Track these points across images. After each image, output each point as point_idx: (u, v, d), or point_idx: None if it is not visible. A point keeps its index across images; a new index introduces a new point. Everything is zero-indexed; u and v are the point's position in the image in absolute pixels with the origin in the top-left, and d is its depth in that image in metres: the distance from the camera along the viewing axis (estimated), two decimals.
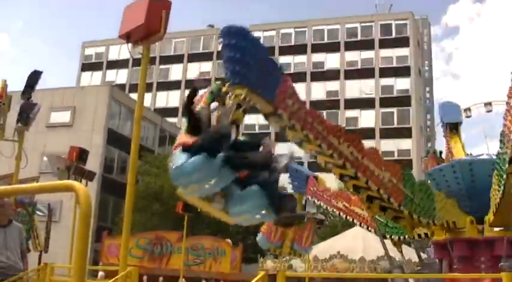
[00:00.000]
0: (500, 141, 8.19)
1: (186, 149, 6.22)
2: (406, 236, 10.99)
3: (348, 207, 13.46)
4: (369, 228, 12.64)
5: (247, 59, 6.89)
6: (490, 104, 53.46)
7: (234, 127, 6.57)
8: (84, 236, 2.53)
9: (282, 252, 14.89)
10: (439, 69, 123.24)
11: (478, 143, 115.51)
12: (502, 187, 8.36)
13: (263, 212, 6.24)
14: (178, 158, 6.33)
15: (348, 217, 13.19)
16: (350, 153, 8.65)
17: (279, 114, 7.55)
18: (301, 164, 37.61)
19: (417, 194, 9.66)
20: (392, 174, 9.26)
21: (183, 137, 6.57)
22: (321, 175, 14.41)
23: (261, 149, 6.40)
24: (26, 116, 12.28)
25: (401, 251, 12.53)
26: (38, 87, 13.44)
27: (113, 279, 6.87)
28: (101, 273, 18.34)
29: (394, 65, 61.96)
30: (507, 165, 7.85)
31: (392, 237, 12.03)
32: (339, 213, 13.74)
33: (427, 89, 72.49)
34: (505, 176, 8.07)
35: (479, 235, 10.18)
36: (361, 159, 8.82)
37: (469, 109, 56.06)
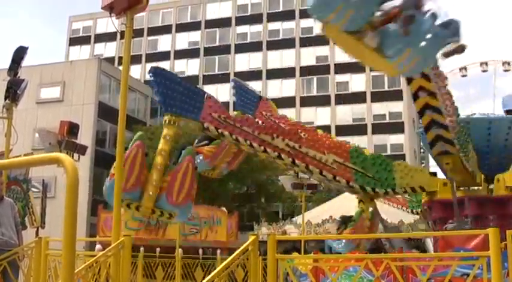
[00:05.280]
0: None
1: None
2: (389, 189, 10.63)
3: (297, 148, 12.00)
4: (336, 178, 10.45)
5: (171, 92, 9.21)
6: (486, 63, 53.49)
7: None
8: (73, 206, 2.56)
9: (213, 174, 11.98)
10: None
11: (476, 101, 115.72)
12: None
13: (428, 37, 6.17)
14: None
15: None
16: (285, 145, 9.84)
17: (206, 128, 9.55)
18: None
19: (370, 167, 10.14)
20: (337, 155, 10.04)
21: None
22: None
23: None
24: (13, 92, 12.24)
25: (375, 207, 11.55)
26: (26, 63, 13.37)
27: (107, 249, 6.94)
28: (98, 246, 18.45)
29: None
30: None
31: (376, 190, 10.60)
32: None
33: None
34: None
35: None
36: (299, 148, 9.89)
37: (465, 68, 56.11)
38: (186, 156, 9.22)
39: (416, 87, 9.12)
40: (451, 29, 6.87)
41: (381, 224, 11.57)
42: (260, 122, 11.99)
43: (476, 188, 11.45)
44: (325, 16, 6.81)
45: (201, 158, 11.43)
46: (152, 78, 9.41)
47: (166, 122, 9.37)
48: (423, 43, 6.75)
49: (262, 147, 9.79)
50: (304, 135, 10.68)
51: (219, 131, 9.60)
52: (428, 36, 6.71)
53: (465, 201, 10.88)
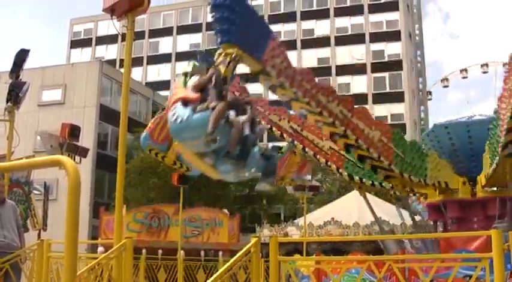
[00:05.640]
0: (495, 112, 8.28)
1: (187, 103, 6.89)
2: (376, 182, 10.64)
3: (298, 131, 11.86)
4: (328, 163, 10.67)
5: (236, 19, 7.07)
6: (486, 65, 53.45)
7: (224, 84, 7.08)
8: (74, 209, 2.56)
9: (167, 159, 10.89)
10: (435, 29, 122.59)
11: (476, 103, 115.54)
12: (497, 157, 8.50)
13: (252, 170, 7.06)
14: (182, 113, 6.88)
15: (296, 142, 11.21)
16: (340, 112, 8.77)
17: (267, 72, 7.77)
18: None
19: (408, 153, 9.74)
20: (382, 134, 9.34)
21: (181, 91, 7.17)
22: None
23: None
24: (15, 94, 12.24)
25: (365, 196, 11.68)
26: (28, 66, 13.37)
27: (109, 251, 6.93)
28: (100, 248, 18.45)
29: (384, 29, 61.69)
30: (503, 138, 7.95)
31: (363, 180, 10.66)
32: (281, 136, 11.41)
33: (418, 52, 72.24)
34: (499, 149, 8.23)
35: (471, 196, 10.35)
36: (351, 117, 8.94)
37: (465, 70, 56.08)
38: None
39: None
40: (271, 166, 7.27)
41: (378, 227, 11.60)
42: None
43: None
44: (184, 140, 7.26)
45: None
46: (213, 0, 7.37)
47: (221, 56, 7.17)
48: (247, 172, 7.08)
49: (319, 109, 8.68)
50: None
51: (280, 79, 8.05)
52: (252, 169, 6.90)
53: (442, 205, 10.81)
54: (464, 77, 53.61)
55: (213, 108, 6.72)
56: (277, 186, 12.25)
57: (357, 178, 10.37)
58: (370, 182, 10.46)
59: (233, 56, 7.04)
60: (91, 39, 70.10)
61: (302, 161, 12.90)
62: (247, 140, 7.13)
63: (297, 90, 8.26)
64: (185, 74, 7.64)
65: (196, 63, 7.57)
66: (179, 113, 7.03)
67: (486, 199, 10.65)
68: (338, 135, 9.13)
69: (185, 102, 7.01)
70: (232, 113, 7.03)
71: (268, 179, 8.09)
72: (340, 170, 10.45)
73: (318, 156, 10.53)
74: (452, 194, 10.84)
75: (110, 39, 64.63)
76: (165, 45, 67.75)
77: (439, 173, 10.01)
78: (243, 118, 7.23)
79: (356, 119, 9.03)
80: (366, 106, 56.88)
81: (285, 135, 10.54)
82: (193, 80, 7.32)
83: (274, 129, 10.50)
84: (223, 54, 7.02)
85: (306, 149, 10.48)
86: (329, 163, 10.57)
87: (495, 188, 10.69)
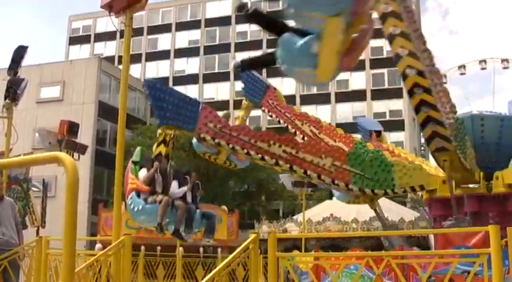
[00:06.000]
0: None
1: (139, 194, 9.95)
2: (389, 190, 10.57)
3: (317, 133, 12.56)
4: (335, 182, 10.19)
5: (165, 104, 9.29)
6: (484, 61, 53.41)
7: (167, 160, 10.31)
8: (73, 205, 2.56)
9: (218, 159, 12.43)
10: (435, 25, 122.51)
11: (475, 99, 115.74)
12: None
13: (196, 230, 10.67)
14: (137, 203, 9.85)
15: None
16: (282, 152, 9.72)
17: (203, 138, 9.58)
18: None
19: (368, 169, 10.02)
20: (335, 159, 9.90)
21: (135, 181, 10.14)
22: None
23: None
24: (13, 91, 12.24)
25: (375, 209, 11.45)
26: (26, 63, 13.36)
27: (107, 248, 6.94)
28: (98, 245, 18.45)
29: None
30: None
31: (375, 191, 10.37)
32: (303, 137, 12.16)
33: None
34: None
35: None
36: (296, 153, 9.78)
37: (463, 66, 56.05)
38: None
39: (411, 84, 9.13)
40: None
41: (380, 223, 11.57)
42: (266, 110, 12.61)
43: (473, 185, 11.43)
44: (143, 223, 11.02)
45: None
46: (146, 92, 9.57)
47: (162, 134, 10.11)
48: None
49: (259, 155, 9.70)
50: (303, 138, 11.73)
51: (216, 140, 9.59)
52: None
53: (464, 199, 10.87)
54: (462, 74, 53.51)
55: (160, 202, 9.64)
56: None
57: (368, 190, 10.01)
58: (383, 191, 10.27)
59: (171, 135, 10.11)
60: (89, 36, 69.97)
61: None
62: (190, 211, 10.02)
63: (235, 145, 9.62)
64: (134, 163, 10.62)
65: (142, 152, 10.89)
66: (135, 202, 9.91)
67: (504, 195, 10.83)
68: (286, 171, 10.33)
69: (138, 193, 9.95)
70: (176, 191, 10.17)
71: (210, 235, 10.87)
72: (350, 186, 9.99)
73: (322, 177, 9.95)
74: (469, 188, 11.10)
75: (108, 36, 64.54)
76: (164, 41, 67.65)
77: (411, 178, 10.05)
78: (184, 188, 10.25)
79: (302, 153, 9.79)
80: (364, 103, 57.08)
81: (280, 162, 9.82)
82: (143, 173, 10.22)
83: (266, 158, 9.77)
84: (163, 134, 10.05)
85: (308, 172, 9.91)
86: (336, 181, 10.01)
87: None
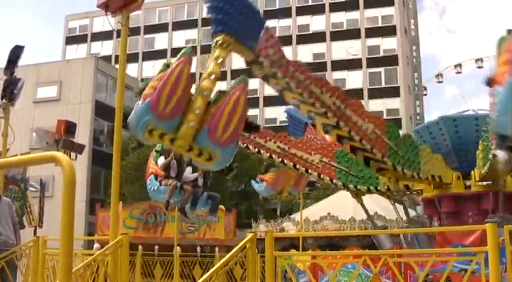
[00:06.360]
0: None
1: (156, 177, 12.66)
2: (372, 187, 10.66)
3: (286, 149, 13.42)
4: (321, 176, 10.95)
5: (229, 8, 7.24)
6: (481, 60, 53.46)
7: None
8: (70, 205, 2.55)
9: (281, 196, 15.74)
10: (432, 23, 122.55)
11: (471, 98, 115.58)
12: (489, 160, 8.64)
13: (202, 209, 13.54)
14: (154, 184, 12.58)
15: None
16: (332, 103, 8.73)
17: (260, 62, 7.78)
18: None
19: (401, 146, 9.67)
20: (376, 126, 9.27)
21: (154, 167, 12.98)
22: None
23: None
24: (10, 91, 12.21)
25: (362, 203, 11.73)
26: (23, 62, 13.33)
27: (105, 247, 6.94)
28: (96, 245, 18.44)
29: (380, 25, 61.72)
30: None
31: (358, 187, 10.80)
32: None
33: (414, 47, 72.33)
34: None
35: (466, 190, 10.35)
36: (344, 109, 8.89)
37: (459, 65, 56.08)
38: (239, 85, 7.34)
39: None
40: None
41: (371, 223, 11.71)
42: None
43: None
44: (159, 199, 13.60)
45: (264, 184, 15.58)
46: None
47: (219, 42, 7.35)
48: None
49: (311, 100, 8.62)
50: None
51: (273, 69, 8.03)
52: None
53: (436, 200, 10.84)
54: (458, 72, 53.60)
55: (169, 185, 12.28)
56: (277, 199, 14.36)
57: (351, 186, 10.53)
58: (366, 187, 10.46)
59: (225, 45, 7.23)
60: (86, 35, 69.96)
61: (298, 174, 13.78)
62: (196, 193, 12.51)
63: (290, 81, 8.25)
64: (156, 151, 13.40)
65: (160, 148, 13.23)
66: (152, 184, 12.61)
67: (480, 194, 10.70)
68: (331, 126, 9.06)
69: (156, 176, 12.55)
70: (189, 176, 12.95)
71: (214, 213, 14.44)
72: (334, 181, 10.74)
73: (309, 171, 10.84)
74: (447, 189, 10.88)
75: (105, 36, 64.53)
76: (161, 41, 67.68)
77: (433, 167, 9.97)
78: (196, 174, 12.94)
79: (349, 111, 8.99)
80: (362, 101, 56.92)
81: (273, 156, 10.84)
82: (161, 160, 12.95)
83: (262, 151, 10.80)
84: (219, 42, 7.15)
85: (297, 166, 10.83)
86: (322, 176, 10.75)
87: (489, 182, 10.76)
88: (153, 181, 12.59)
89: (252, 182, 16.98)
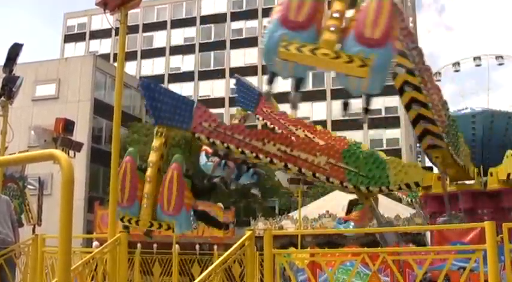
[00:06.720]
0: None
1: (207, 154, 12.48)
2: (384, 187, 10.60)
3: (311, 138, 12.63)
4: (330, 179, 10.25)
5: (160, 104, 9.63)
6: (479, 58, 53.36)
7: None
8: (68, 203, 2.56)
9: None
10: (431, 21, 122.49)
11: (470, 96, 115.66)
12: None
13: (245, 182, 13.43)
14: (203, 160, 12.72)
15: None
16: (277, 150, 9.75)
17: (197, 137, 9.80)
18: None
19: (363, 166, 9.98)
20: (329, 157, 9.91)
21: (205, 146, 12.34)
22: None
23: None
24: (8, 89, 12.20)
25: (372, 206, 11.58)
26: (21, 60, 13.33)
27: (103, 245, 6.94)
28: (95, 243, 18.45)
29: None
30: None
31: (370, 188, 10.34)
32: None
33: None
34: None
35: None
36: (291, 152, 9.79)
37: (457, 63, 56.03)
38: (172, 164, 10.02)
39: (401, 82, 9.11)
40: None
41: (376, 220, 11.55)
42: (261, 118, 12.89)
43: (468, 182, 11.46)
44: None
45: (352, 224, 14.66)
46: (141, 92, 10.36)
47: (158, 133, 9.92)
48: None
49: (254, 154, 9.75)
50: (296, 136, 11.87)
51: (210, 140, 9.77)
52: None
53: (458, 195, 10.89)
54: (456, 70, 53.50)
55: (213, 162, 12.28)
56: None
57: (363, 188, 9.99)
58: (378, 188, 10.28)
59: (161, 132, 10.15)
60: (85, 33, 69.86)
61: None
62: (241, 168, 12.48)
63: (229, 144, 9.73)
64: None
65: None
66: (202, 159, 12.84)
67: (498, 191, 10.88)
68: (281, 170, 10.40)
69: (206, 153, 12.58)
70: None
71: (256, 188, 15.31)
72: (345, 184, 9.98)
73: (317, 175, 9.99)
74: (463, 185, 11.13)
75: (103, 34, 64.43)
76: (159, 39, 67.58)
77: (406, 175, 9.99)
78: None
79: (297, 151, 9.78)
80: (360, 99, 56.79)
81: (275, 161, 9.82)
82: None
83: (260, 156, 9.81)
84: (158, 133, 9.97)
85: (303, 170, 9.91)
86: (331, 179, 10.02)
87: None
88: (203, 157, 13.04)
89: (338, 225, 15.49)
